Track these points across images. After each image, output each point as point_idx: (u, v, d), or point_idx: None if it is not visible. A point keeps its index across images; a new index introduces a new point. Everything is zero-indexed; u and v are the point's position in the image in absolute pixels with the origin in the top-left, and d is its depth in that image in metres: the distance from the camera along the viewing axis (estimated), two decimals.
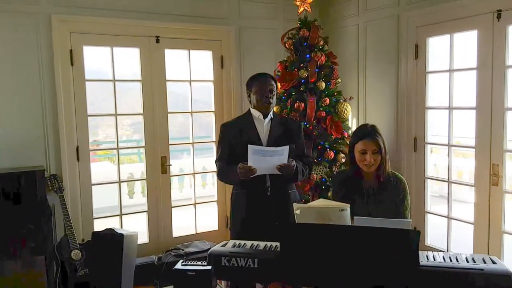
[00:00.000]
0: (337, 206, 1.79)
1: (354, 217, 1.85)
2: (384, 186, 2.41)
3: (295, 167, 2.73)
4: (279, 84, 3.74)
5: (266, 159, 2.65)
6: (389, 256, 1.77)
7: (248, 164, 2.66)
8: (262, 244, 2.23)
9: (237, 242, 2.27)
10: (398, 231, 1.80)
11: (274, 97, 2.88)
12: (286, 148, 2.66)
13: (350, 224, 1.87)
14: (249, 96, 2.91)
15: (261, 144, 2.79)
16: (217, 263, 2.09)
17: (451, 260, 2.06)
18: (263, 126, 2.86)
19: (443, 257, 2.10)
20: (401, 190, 2.40)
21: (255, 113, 2.88)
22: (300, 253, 1.83)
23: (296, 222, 1.91)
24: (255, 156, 2.65)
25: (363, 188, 2.43)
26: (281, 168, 2.68)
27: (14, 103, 3.61)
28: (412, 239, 1.79)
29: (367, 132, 2.39)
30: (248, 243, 2.26)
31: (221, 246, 2.24)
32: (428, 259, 2.08)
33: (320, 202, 1.93)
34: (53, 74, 3.71)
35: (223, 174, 2.90)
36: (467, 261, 1.99)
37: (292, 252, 1.85)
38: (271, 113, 2.91)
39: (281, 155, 2.66)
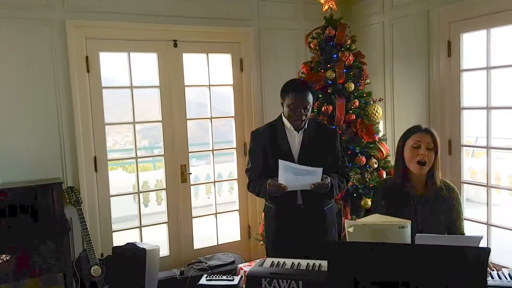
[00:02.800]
0: (396, 223, 1.59)
1: (416, 235, 1.64)
2: (434, 196, 2.18)
3: (329, 184, 2.50)
4: None
5: (298, 178, 2.44)
6: (456, 277, 1.56)
7: (279, 181, 2.45)
8: (303, 262, 2.05)
9: (276, 260, 2.09)
10: (466, 249, 1.60)
11: (309, 112, 2.60)
12: (319, 170, 2.44)
13: (410, 243, 1.67)
14: (282, 104, 2.66)
15: (291, 158, 2.57)
16: (256, 285, 1.90)
17: None
18: (295, 137, 2.63)
19: (509, 275, 1.90)
20: (454, 201, 2.17)
21: (287, 123, 2.65)
22: (353, 275, 1.63)
23: (348, 240, 1.71)
24: (286, 172, 2.44)
25: (411, 197, 2.21)
26: (315, 188, 2.45)
27: (28, 113, 3.46)
28: (481, 257, 1.59)
29: (421, 127, 2.21)
30: (288, 261, 2.07)
31: (259, 266, 2.06)
32: (493, 278, 1.88)
33: (375, 218, 1.73)
34: (69, 82, 3.56)
35: (253, 188, 2.69)
36: None
37: (343, 274, 1.65)
38: None
39: (314, 175, 2.44)
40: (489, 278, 1.86)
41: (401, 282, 1.56)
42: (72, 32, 3.55)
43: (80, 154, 3.63)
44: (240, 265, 3.80)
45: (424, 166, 2.13)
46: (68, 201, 3.46)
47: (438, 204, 2.17)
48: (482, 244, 3.43)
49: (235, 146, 4.39)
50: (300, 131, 2.64)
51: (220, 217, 4.43)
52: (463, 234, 2.18)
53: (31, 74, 3.45)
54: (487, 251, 1.58)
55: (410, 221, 1.64)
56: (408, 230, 1.62)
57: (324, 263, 1.95)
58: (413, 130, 2.21)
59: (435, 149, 2.15)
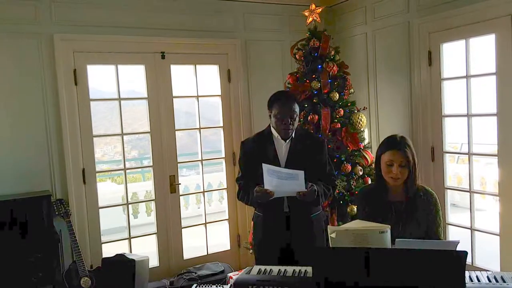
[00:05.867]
0: (376, 228, 1.65)
1: (396, 239, 1.70)
2: (413, 201, 2.26)
3: (316, 192, 2.56)
4: None
5: (282, 182, 2.49)
6: (435, 280, 1.62)
7: (265, 186, 2.51)
8: (290, 269, 2.09)
9: (262, 268, 2.13)
10: (444, 253, 1.66)
11: (296, 122, 2.67)
12: (301, 173, 2.48)
13: (391, 247, 1.72)
14: (270, 116, 2.72)
15: (278, 166, 2.62)
16: None
17: (496, 281, 1.92)
18: (282, 146, 2.70)
19: (488, 277, 1.97)
20: (432, 206, 2.25)
21: (275, 133, 2.72)
22: (337, 280, 1.69)
23: (331, 246, 1.76)
24: (270, 177, 2.49)
25: (391, 204, 2.29)
26: (302, 196, 2.50)
27: (17, 125, 3.48)
28: (459, 260, 1.65)
29: (395, 143, 2.24)
30: (275, 268, 2.12)
31: (246, 273, 2.10)
32: (472, 280, 1.94)
33: (356, 224, 1.79)
34: (57, 95, 3.59)
35: (243, 196, 2.76)
36: None
37: (327, 279, 1.70)
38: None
39: (297, 179, 2.48)
40: (468, 281, 1.92)
41: (382, 286, 1.62)
42: (60, 45, 3.59)
43: (69, 166, 3.65)
44: (229, 274, 3.82)
45: (398, 180, 2.21)
46: (57, 213, 3.46)
47: (416, 210, 2.24)
48: (465, 248, 3.51)
49: (224, 156, 4.44)
50: (288, 140, 2.70)
51: (210, 227, 4.46)
52: (440, 239, 2.25)
53: (19, 87, 3.48)
54: (464, 254, 1.64)
55: (389, 226, 1.70)
56: (388, 235, 1.69)
57: (310, 269, 1.99)
58: (388, 146, 2.25)
59: (408, 165, 2.20)
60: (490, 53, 3.35)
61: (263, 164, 2.49)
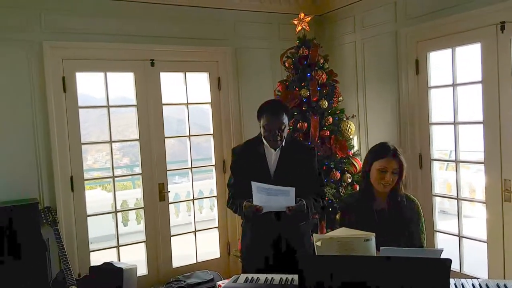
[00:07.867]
0: (361, 236, 1.66)
1: (381, 248, 1.71)
2: (396, 208, 2.29)
3: (305, 207, 2.55)
4: None
5: (271, 198, 2.47)
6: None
7: (254, 202, 2.49)
8: (276, 277, 2.10)
9: (250, 276, 2.14)
10: (429, 261, 1.67)
11: (284, 133, 2.64)
12: (292, 190, 2.46)
13: (375, 255, 1.73)
14: (260, 126, 2.72)
15: (268, 174, 2.63)
16: None
17: None
18: (272, 155, 2.69)
19: (473, 285, 1.98)
20: (414, 213, 2.28)
21: (265, 141, 2.71)
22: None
23: (317, 254, 1.77)
24: (260, 194, 2.47)
25: (375, 212, 2.31)
26: (292, 211, 2.49)
27: (4, 133, 3.46)
28: (443, 268, 1.66)
29: (389, 150, 2.29)
30: (262, 276, 2.12)
31: (233, 281, 2.10)
32: None
33: (342, 232, 1.80)
34: (45, 102, 3.58)
35: (232, 205, 2.75)
36: None
37: (313, 287, 1.70)
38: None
39: (287, 195, 2.47)
40: None
41: None
42: (49, 53, 3.58)
43: (57, 174, 3.63)
44: (218, 283, 3.81)
45: (388, 186, 2.26)
46: (44, 221, 3.43)
47: (399, 216, 2.27)
48: (453, 255, 3.53)
49: (214, 163, 4.44)
50: (277, 149, 2.70)
51: (200, 235, 4.44)
52: (423, 247, 2.27)
53: (8, 94, 3.46)
54: (448, 261, 1.65)
55: (374, 234, 1.71)
56: (372, 243, 1.70)
57: (296, 277, 2.00)
58: (382, 154, 2.28)
59: (399, 173, 2.25)
60: (476, 62, 3.39)
61: (252, 182, 2.47)
